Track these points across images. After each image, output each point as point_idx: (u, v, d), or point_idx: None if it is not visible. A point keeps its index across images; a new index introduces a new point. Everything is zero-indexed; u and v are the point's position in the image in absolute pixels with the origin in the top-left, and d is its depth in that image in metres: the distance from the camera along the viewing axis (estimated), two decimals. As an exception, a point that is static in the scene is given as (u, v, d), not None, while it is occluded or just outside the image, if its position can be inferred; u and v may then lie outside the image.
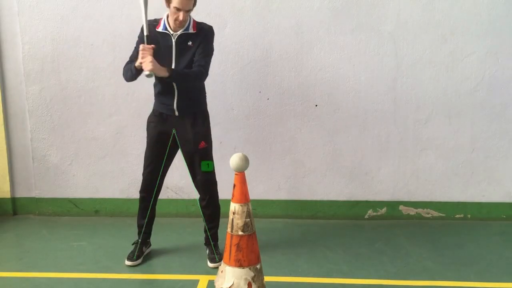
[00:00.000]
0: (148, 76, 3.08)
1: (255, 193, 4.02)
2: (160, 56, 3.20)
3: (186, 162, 3.44)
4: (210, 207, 3.48)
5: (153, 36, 3.21)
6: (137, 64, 3.13)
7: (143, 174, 3.51)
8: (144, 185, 3.50)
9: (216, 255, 3.42)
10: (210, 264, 3.40)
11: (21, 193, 4.38)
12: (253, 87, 4.10)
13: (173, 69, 3.18)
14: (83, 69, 4.14)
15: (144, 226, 3.53)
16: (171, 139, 3.38)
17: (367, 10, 3.95)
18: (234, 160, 2.69)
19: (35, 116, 4.22)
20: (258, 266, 2.72)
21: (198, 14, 4.00)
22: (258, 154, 4.16)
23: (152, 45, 3.13)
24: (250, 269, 2.68)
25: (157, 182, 3.49)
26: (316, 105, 4.10)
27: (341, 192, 4.23)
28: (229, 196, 2.78)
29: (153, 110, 3.44)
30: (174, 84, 3.25)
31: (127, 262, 3.43)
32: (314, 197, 4.24)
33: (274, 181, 4.24)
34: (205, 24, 3.37)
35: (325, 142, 4.16)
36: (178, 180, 4.23)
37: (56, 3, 4.05)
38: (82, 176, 4.30)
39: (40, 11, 4.06)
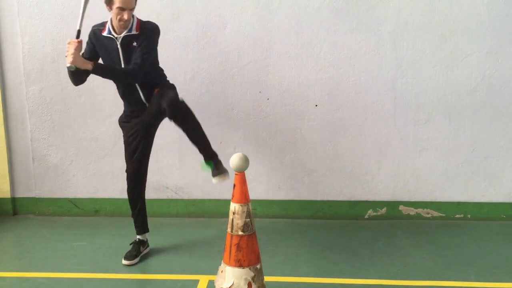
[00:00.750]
0: (70, 68, 3.09)
1: (255, 193, 4.02)
2: (109, 60, 3.27)
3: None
4: (185, 124, 3.29)
5: (100, 40, 3.25)
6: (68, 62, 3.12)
7: (126, 171, 3.50)
8: (129, 180, 3.50)
9: (216, 170, 3.30)
10: (213, 180, 3.31)
11: (21, 193, 4.38)
12: (253, 87, 4.10)
13: (96, 63, 3.19)
14: (83, 69, 4.13)
15: (135, 221, 3.57)
16: (142, 126, 3.38)
17: (367, 10, 3.95)
18: (234, 160, 2.69)
19: (35, 116, 4.22)
20: (258, 266, 2.72)
21: (198, 14, 4.03)
22: (258, 154, 4.16)
23: (79, 39, 3.12)
24: (250, 269, 2.68)
25: (141, 173, 3.50)
26: (316, 105, 4.10)
27: (341, 192, 4.23)
28: (229, 196, 2.79)
29: (123, 111, 3.50)
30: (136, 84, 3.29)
31: (124, 262, 3.44)
32: (314, 197, 4.24)
33: (274, 181, 4.24)
34: (150, 23, 3.31)
35: (325, 142, 4.16)
36: (178, 180, 4.23)
37: (56, 3, 4.05)
38: (82, 176, 4.30)
39: (40, 11, 4.06)
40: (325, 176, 4.21)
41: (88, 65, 3.13)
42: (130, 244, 3.57)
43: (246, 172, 2.73)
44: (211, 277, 3.15)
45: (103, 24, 3.29)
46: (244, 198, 2.69)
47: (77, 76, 3.23)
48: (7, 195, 4.34)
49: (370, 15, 3.96)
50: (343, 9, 3.96)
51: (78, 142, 4.25)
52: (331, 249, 3.64)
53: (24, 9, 4.06)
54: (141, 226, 3.59)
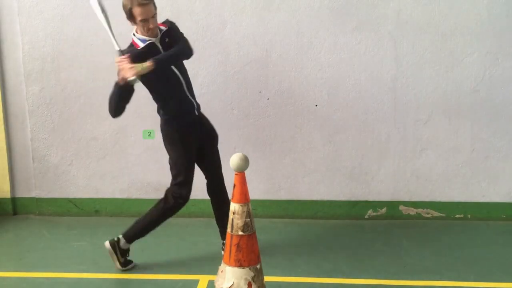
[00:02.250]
0: (133, 81, 3.02)
1: (255, 193, 4.02)
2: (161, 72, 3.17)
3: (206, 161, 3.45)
4: (221, 204, 3.49)
5: (140, 57, 3.07)
6: (118, 79, 3.06)
7: (181, 183, 3.38)
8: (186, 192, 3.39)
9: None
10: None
11: (21, 193, 4.38)
12: (253, 87, 4.10)
13: (155, 58, 3.05)
14: (83, 69, 4.14)
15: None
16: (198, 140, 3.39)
17: (367, 10, 3.95)
18: (234, 160, 2.69)
19: (35, 116, 4.22)
20: (258, 266, 2.72)
21: (198, 14, 4.03)
22: (258, 154, 4.16)
23: (127, 55, 3.05)
24: (250, 269, 2.68)
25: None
26: (316, 105, 4.10)
27: (341, 192, 4.23)
28: (229, 196, 2.78)
29: (174, 124, 3.31)
30: (185, 84, 3.25)
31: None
32: (314, 197, 4.24)
33: (274, 181, 4.24)
34: (166, 20, 3.30)
35: (325, 142, 4.16)
36: (178, 180, 4.23)
37: (56, 3, 4.05)
38: (82, 176, 4.30)
39: (40, 11, 4.06)
40: (325, 176, 4.21)
41: (150, 65, 3.00)
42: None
43: (246, 172, 2.73)
44: (211, 277, 3.15)
45: (131, 45, 3.17)
46: (244, 198, 2.69)
47: (126, 96, 3.14)
48: (7, 195, 4.34)
49: (370, 15, 3.96)
50: (343, 9, 3.96)
51: (78, 142, 4.25)
52: (331, 249, 3.64)
53: (24, 9, 4.06)
54: None
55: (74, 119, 4.22)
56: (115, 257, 3.32)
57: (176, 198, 3.35)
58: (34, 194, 4.36)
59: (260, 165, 4.18)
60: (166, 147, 3.40)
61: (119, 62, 3.03)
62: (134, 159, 4.23)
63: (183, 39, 3.24)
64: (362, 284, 3.15)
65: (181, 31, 3.30)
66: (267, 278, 2.92)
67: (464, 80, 4.02)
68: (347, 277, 3.24)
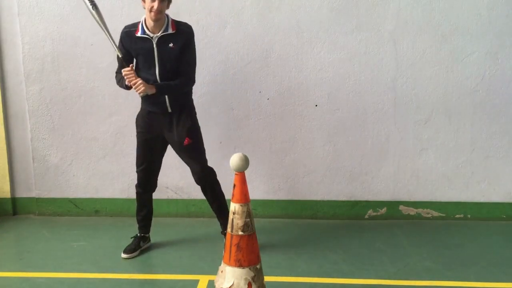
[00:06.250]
0: (141, 95, 3.22)
1: (255, 193, 4.02)
2: (143, 61, 3.25)
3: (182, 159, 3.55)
4: (215, 199, 3.55)
5: (133, 41, 3.23)
6: (127, 84, 3.23)
7: (136, 172, 3.57)
8: (139, 182, 3.57)
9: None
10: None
11: (21, 193, 4.38)
12: (253, 87, 4.10)
13: (157, 85, 3.22)
14: (83, 69, 4.14)
15: (141, 221, 3.65)
16: (160, 137, 3.45)
17: (367, 10, 3.95)
18: (234, 160, 2.69)
19: (35, 116, 4.22)
20: (258, 266, 2.72)
21: (198, 14, 4.02)
22: (258, 154, 4.16)
23: (131, 65, 3.19)
24: (250, 269, 2.68)
25: (152, 178, 3.57)
26: (316, 105, 4.10)
27: (341, 192, 4.23)
28: (229, 196, 2.79)
29: (142, 109, 3.48)
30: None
31: (123, 255, 3.51)
32: (314, 197, 4.24)
33: (274, 181, 4.24)
34: (184, 24, 3.34)
35: (325, 142, 4.16)
36: (178, 180, 4.23)
37: (56, 3, 4.05)
38: (82, 176, 4.30)
39: (40, 11, 4.06)
40: (325, 176, 4.21)
41: (153, 90, 3.19)
42: (131, 238, 3.63)
43: (246, 172, 2.73)
44: (211, 277, 3.16)
45: (135, 25, 3.27)
46: (244, 198, 2.69)
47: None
48: (7, 195, 4.34)
49: (370, 15, 3.96)
50: (343, 9, 3.96)
51: (78, 142, 4.25)
52: (331, 249, 3.64)
53: (24, 9, 4.06)
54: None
55: (74, 119, 4.22)
56: None
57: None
58: (34, 194, 4.36)
59: (260, 165, 4.18)
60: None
61: (127, 76, 3.17)
62: (134, 159, 4.22)
63: (192, 66, 3.33)
64: (362, 284, 3.16)
65: (195, 50, 3.36)
66: (267, 278, 2.92)
67: (464, 80, 4.02)
68: (347, 277, 3.24)
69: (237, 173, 2.70)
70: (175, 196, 4.28)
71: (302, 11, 3.97)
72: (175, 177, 4.21)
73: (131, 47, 3.27)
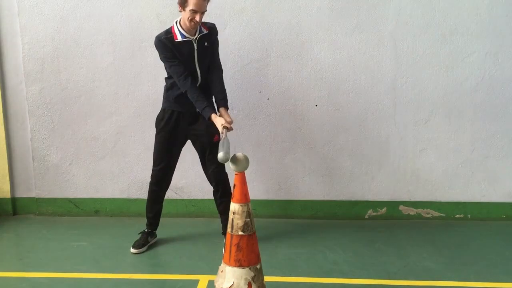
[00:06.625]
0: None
1: (255, 193, 4.02)
2: (184, 60, 3.34)
3: (200, 155, 3.58)
4: (225, 197, 3.57)
5: (175, 46, 3.32)
6: (201, 113, 3.34)
7: (153, 170, 3.61)
8: (156, 180, 3.62)
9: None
10: None
11: (21, 193, 4.38)
12: (253, 87, 4.10)
13: (225, 103, 3.42)
14: (83, 69, 4.14)
15: (153, 218, 3.73)
16: (182, 136, 3.52)
17: (367, 10, 3.95)
18: (234, 160, 2.69)
19: (35, 116, 4.22)
20: (258, 266, 2.72)
21: (198, 14, 4.01)
22: (258, 154, 4.16)
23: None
24: (250, 269, 2.68)
25: (169, 177, 3.66)
26: (316, 105, 4.10)
27: (341, 192, 4.23)
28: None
29: (165, 109, 3.52)
30: (200, 81, 3.43)
31: (132, 250, 3.59)
32: (314, 197, 4.24)
33: (274, 181, 4.24)
34: (210, 23, 3.50)
35: (325, 142, 4.16)
36: (178, 180, 4.22)
37: (56, 3, 4.05)
38: (82, 176, 4.30)
39: (40, 11, 4.06)
40: (325, 176, 4.21)
41: (227, 109, 3.42)
42: (139, 233, 3.70)
43: (246, 172, 2.73)
44: (211, 277, 3.15)
45: (169, 32, 3.36)
46: (244, 198, 2.69)
47: None
48: (7, 195, 4.34)
49: (370, 15, 3.96)
50: (343, 9, 3.96)
51: (78, 142, 4.25)
52: (331, 249, 3.64)
53: (24, 9, 4.06)
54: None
55: (74, 119, 4.21)
56: None
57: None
58: (34, 194, 4.36)
59: (260, 165, 4.18)
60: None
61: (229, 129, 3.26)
62: (134, 159, 4.23)
63: (219, 56, 3.53)
64: (362, 284, 3.15)
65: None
66: (267, 278, 2.92)
67: (464, 80, 4.02)
68: (347, 277, 3.24)
69: (237, 173, 2.70)
70: (175, 196, 4.28)
71: (302, 11, 3.97)
72: (175, 177, 4.17)
73: (173, 52, 3.35)
